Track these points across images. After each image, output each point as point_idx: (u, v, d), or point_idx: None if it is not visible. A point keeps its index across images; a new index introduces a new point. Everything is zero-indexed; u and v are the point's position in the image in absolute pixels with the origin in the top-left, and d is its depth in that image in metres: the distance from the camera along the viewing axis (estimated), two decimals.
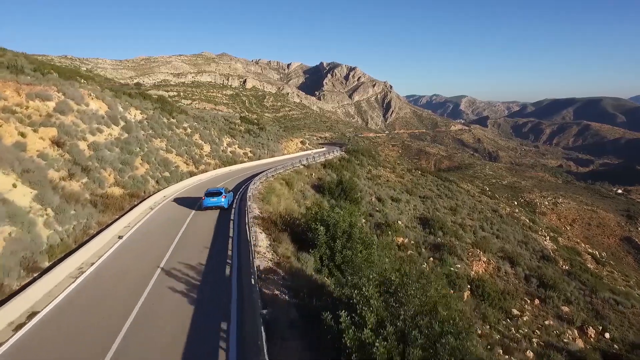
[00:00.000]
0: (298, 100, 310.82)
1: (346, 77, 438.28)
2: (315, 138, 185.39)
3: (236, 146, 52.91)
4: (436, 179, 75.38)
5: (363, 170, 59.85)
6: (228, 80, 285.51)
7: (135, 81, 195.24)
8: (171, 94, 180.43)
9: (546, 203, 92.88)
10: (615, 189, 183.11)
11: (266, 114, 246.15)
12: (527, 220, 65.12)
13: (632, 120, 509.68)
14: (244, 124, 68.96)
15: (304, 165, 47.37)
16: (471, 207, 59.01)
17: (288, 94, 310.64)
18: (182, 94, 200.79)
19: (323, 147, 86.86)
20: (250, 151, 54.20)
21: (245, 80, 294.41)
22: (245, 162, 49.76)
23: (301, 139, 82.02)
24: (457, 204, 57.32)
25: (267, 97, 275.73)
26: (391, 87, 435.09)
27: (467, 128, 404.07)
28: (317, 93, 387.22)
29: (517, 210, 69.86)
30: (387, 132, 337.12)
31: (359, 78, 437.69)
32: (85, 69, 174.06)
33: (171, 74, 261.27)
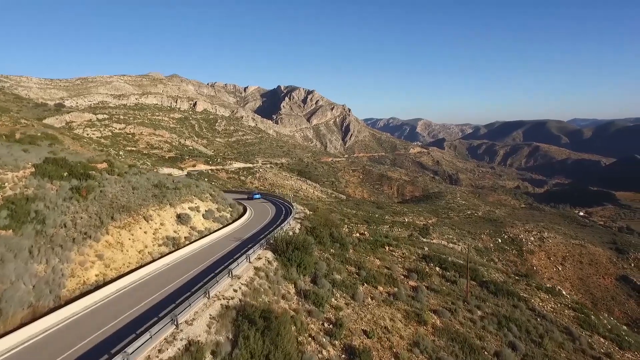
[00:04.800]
0: (253, 124, 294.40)
1: (304, 101, 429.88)
2: (268, 165, 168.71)
3: None
4: (480, 291, 35.00)
5: (316, 325, 19.73)
6: (177, 102, 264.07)
7: (60, 102, 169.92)
8: (100, 116, 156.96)
9: (532, 239, 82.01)
10: (577, 211, 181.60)
11: (217, 139, 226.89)
12: None
13: (574, 142, 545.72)
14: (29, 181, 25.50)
15: None
16: None
17: (242, 117, 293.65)
18: (120, 116, 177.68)
19: (243, 214, 42.74)
20: None
21: (196, 102, 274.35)
22: None
23: (186, 207, 33.94)
24: None
25: (219, 121, 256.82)
26: (349, 110, 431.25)
27: (425, 150, 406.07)
28: (274, 117, 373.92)
29: None
30: (346, 155, 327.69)
31: (317, 101, 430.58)
32: None
33: (111, 95, 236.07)
